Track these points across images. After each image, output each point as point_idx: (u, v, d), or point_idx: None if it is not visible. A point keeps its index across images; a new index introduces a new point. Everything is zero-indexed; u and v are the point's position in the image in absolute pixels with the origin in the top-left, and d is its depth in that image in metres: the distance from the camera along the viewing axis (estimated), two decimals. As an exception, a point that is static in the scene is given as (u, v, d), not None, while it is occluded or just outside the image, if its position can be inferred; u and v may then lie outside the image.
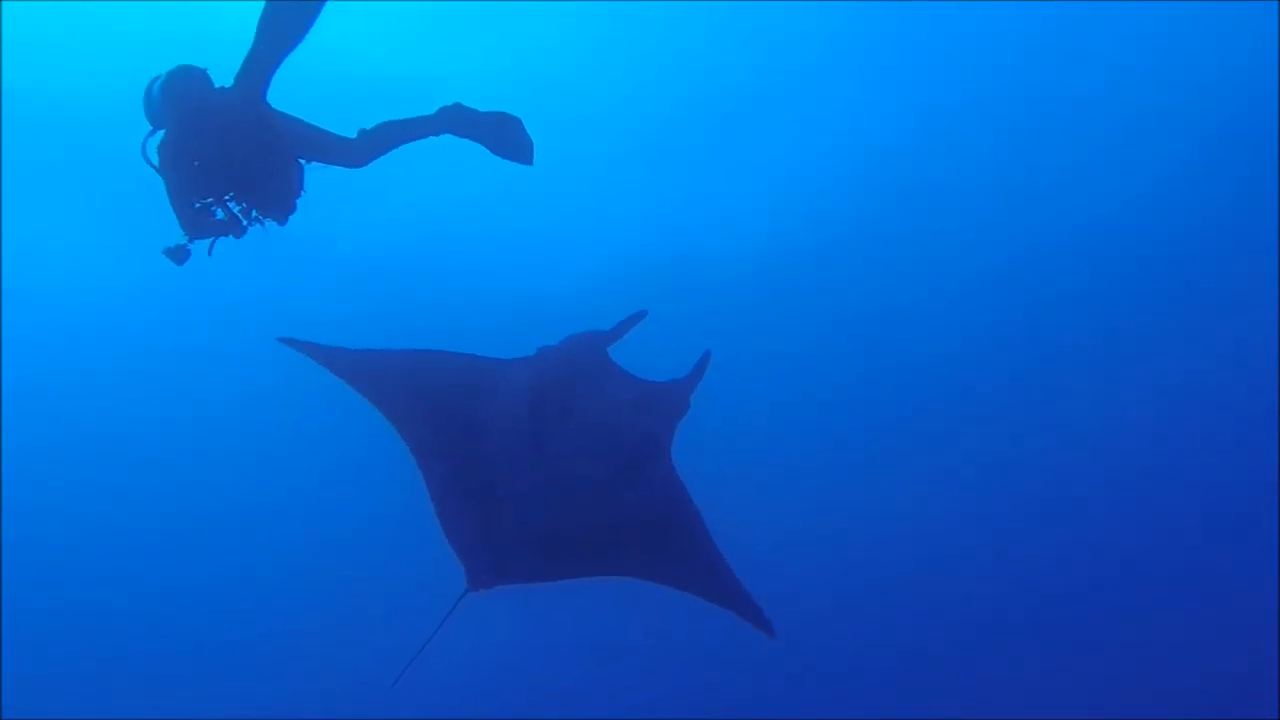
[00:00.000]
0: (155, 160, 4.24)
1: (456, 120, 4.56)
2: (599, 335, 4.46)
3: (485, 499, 4.54)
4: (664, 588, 4.77)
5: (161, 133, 4.24)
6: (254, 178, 4.25)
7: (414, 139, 4.57)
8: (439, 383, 4.53)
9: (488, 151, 4.68)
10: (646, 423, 4.46)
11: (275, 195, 4.35)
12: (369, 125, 4.52)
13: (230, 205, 4.31)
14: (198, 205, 4.27)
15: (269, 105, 4.28)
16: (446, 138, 4.63)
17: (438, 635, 4.68)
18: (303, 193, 4.49)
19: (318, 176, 4.59)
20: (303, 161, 4.45)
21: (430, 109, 4.58)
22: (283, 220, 4.46)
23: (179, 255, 4.37)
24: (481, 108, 4.59)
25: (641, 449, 4.50)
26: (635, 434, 4.46)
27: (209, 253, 4.45)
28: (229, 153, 4.16)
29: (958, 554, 15.39)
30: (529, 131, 4.64)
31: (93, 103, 10.90)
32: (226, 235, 4.39)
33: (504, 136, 4.62)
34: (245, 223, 4.38)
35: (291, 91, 4.40)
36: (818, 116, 12.21)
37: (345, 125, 4.62)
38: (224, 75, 4.24)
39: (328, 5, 3.99)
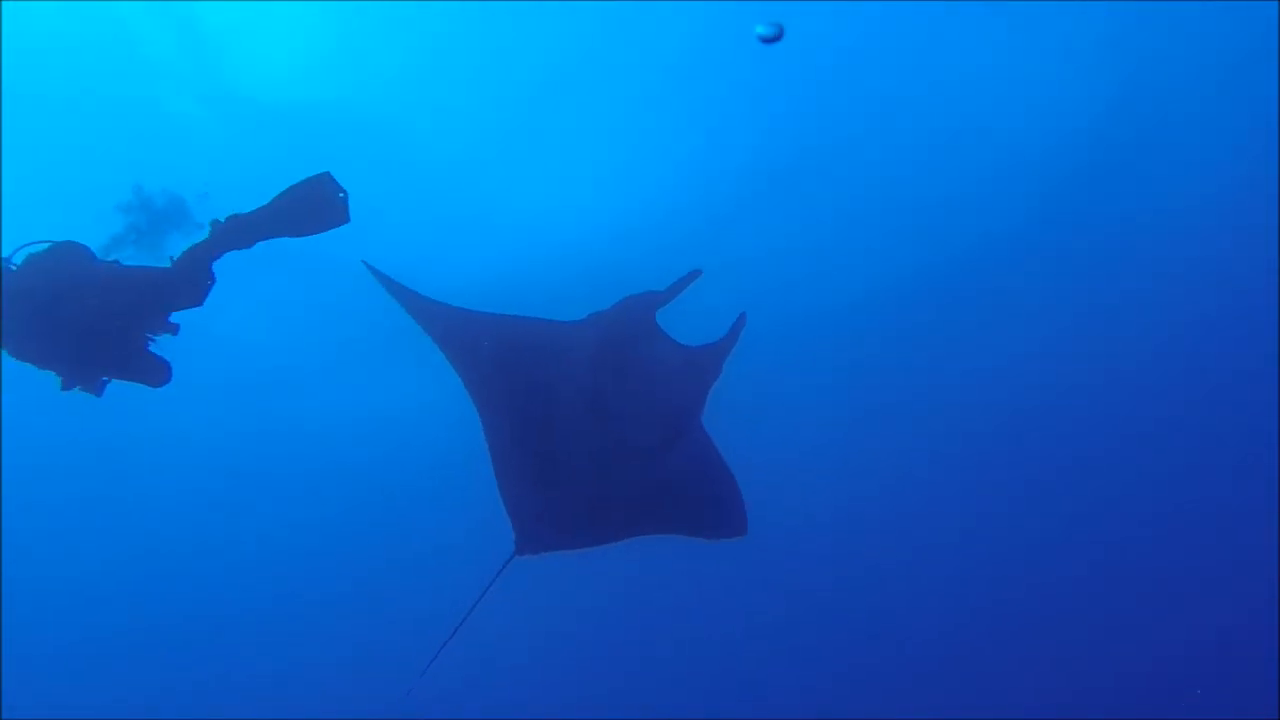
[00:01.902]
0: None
1: (245, 231, 4.05)
2: (654, 296, 4.45)
3: (542, 463, 4.55)
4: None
5: None
6: (84, 348, 3.90)
7: (218, 254, 4.07)
8: (509, 341, 4.53)
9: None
10: (690, 386, 4.48)
11: (119, 364, 3.99)
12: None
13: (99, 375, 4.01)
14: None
15: (88, 256, 3.93)
16: None
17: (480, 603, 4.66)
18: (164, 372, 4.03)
19: None
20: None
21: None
22: (155, 381, 4.10)
23: (96, 387, 4.14)
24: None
25: (687, 411, 4.53)
26: (682, 397, 4.49)
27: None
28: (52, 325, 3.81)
29: (951, 554, 15.45)
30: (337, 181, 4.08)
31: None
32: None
33: (306, 210, 4.07)
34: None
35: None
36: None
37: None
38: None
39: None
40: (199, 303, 4.11)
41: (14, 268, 3.91)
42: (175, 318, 4.19)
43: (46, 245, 3.99)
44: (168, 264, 4.10)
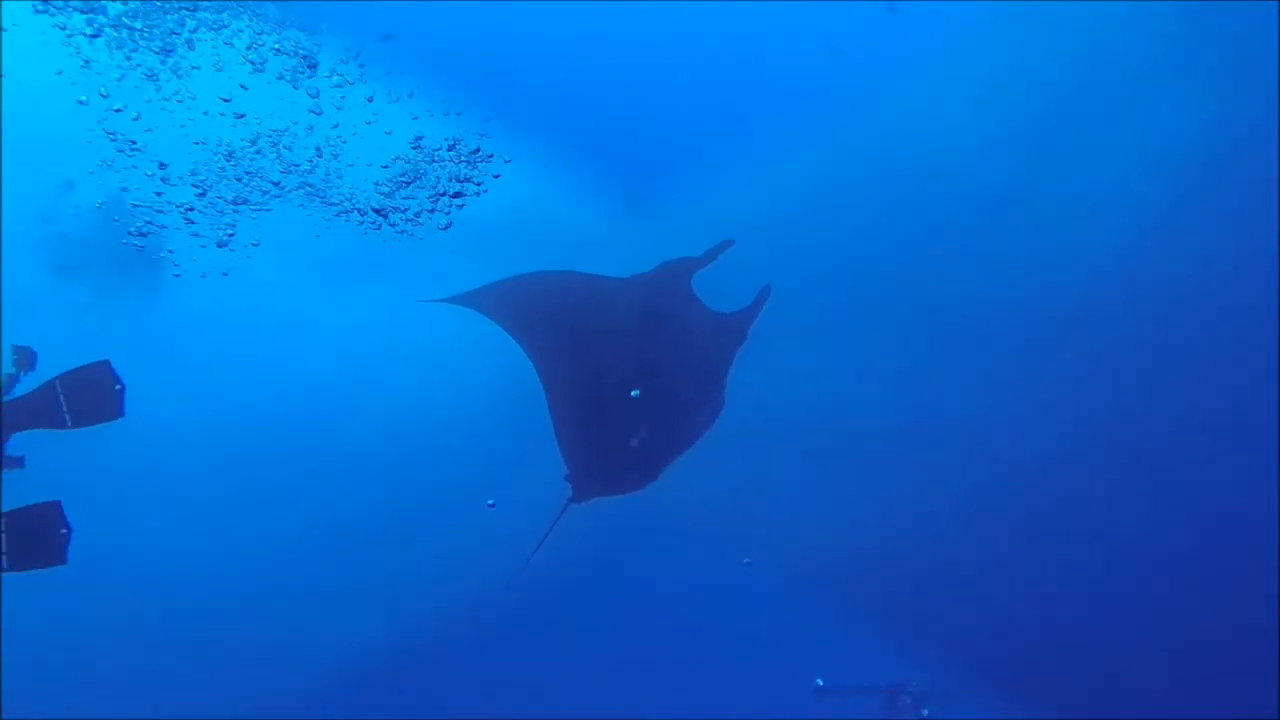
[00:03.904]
0: None
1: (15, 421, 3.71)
2: (691, 262, 4.79)
3: (590, 412, 4.96)
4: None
5: None
6: None
7: None
8: (558, 298, 4.94)
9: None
10: (720, 347, 4.88)
11: None
12: None
13: None
14: None
15: None
16: None
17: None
18: None
19: None
20: None
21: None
22: None
23: None
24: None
25: (717, 371, 4.94)
26: (713, 357, 4.90)
27: None
28: None
29: (949, 556, 15.47)
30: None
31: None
32: None
33: (84, 403, 3.77)
34: None
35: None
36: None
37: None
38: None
39: None
40: None
41: None
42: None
43: None
44: None
